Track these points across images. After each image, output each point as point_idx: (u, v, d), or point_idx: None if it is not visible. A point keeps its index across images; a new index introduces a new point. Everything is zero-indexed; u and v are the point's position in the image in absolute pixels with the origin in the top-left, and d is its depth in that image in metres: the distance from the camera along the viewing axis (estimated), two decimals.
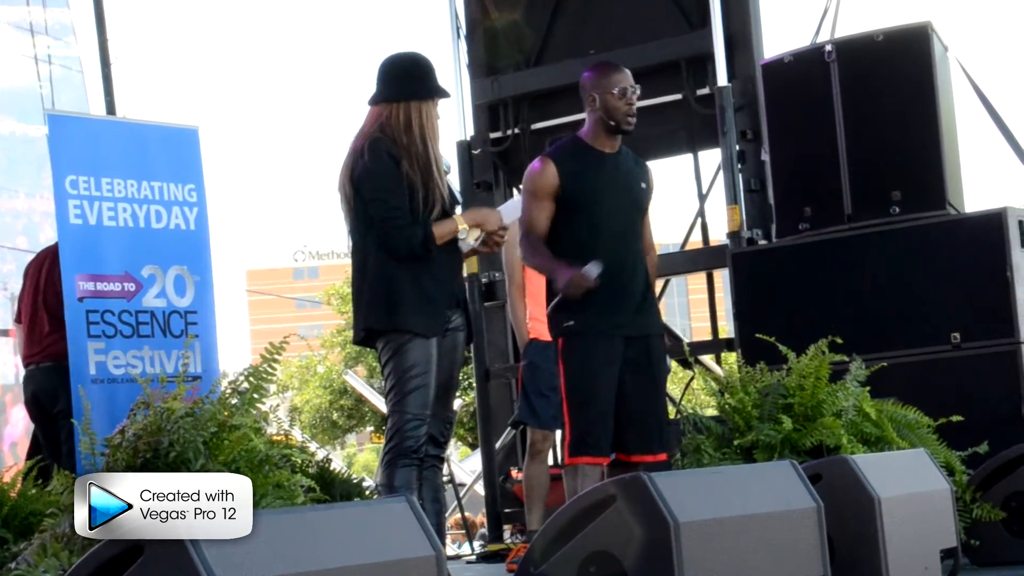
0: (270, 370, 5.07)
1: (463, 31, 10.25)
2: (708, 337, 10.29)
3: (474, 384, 10.12)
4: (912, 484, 5.46)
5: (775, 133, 8.36)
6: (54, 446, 7.31)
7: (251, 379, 5.01)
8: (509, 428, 9.77)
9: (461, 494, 12.12)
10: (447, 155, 7.30)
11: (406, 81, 5.80)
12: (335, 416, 34.64)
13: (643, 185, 6.07)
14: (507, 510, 9.76)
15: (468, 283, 8.77)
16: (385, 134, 5.70)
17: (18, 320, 7.87)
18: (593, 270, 5.69)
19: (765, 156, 8.66)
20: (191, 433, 4.64)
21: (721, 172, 9.10)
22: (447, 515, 7.62)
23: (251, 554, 3.28)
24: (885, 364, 6.38)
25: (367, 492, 6.07)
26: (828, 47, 8.11)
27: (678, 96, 9.50)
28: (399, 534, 3.74)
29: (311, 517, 3.63)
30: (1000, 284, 7.39)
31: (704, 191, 10.07)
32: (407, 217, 5.62)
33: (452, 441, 8.72)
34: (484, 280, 9.77)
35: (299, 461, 5.11)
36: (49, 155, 6.83)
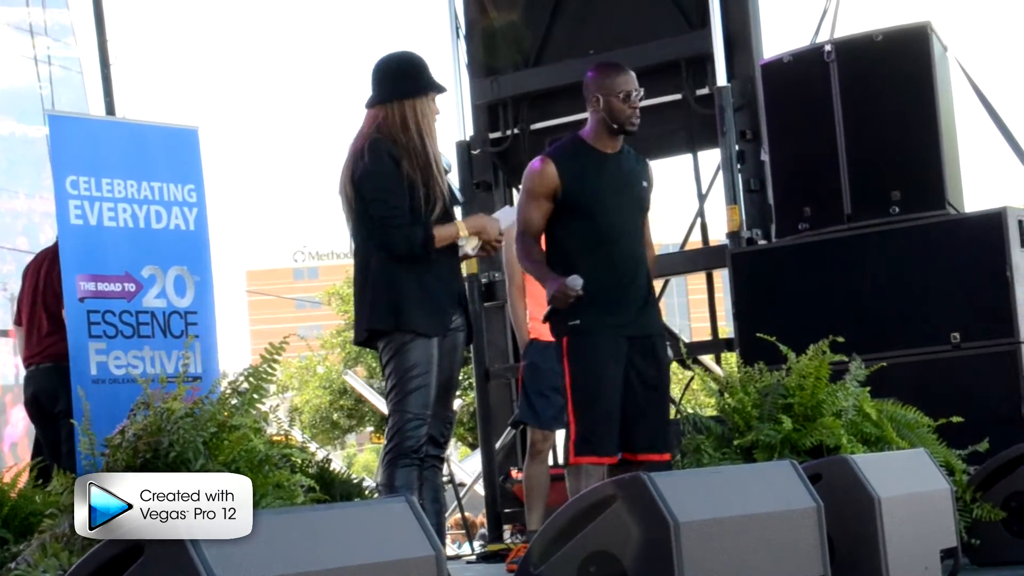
0: (270, 370, 5.07)
1: (462, 31, 10.25)
2: (708, 337, 10.30)
3: (474, 384, 10.11)
4: (912, 484, 5.46)
5: (775, 133, 8.36)
6: (54, 446, 7.32)
7: (251, 379, 5.01)
8: (509, 428, 9.77)
9: (461, 494, 12.12)
10: (447, 155, 7.30)
11: (399, 80, 5.81)
12: (335, 416, 34.66)
13: (644, 184, 6.07)
14: (507, 510, 9.76)
15: (468, 283, 8.77)
16: (384, 135, 5.71)
17: (18, 322, 7.89)
18: (576, 282, 5.69)
19: (765, 156, 8.66)
20: (191, 433, 4.64)
21: (721, 172, 9.10)
22: (447, 515, 7.62)
23: (251, 554, 3.28)
24: (885, 364, 6.38)
25: (367, 492, 6.08)
26: (827, 47, 8.11)
27: (678, 96, 9.50)
28: (399, 534, 3.74)
29: (311, 517, 3.63)
30: (1000, 284, 7.39)
31: (704, 191, 10.07)
32: (407, 217, 5.62)
33: (452, 441, 8.72)
34: (484, 280, 9.77)
35: (299, 461, 5.11)
36: (49, 155, 6.85)
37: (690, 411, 6.26)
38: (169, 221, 6.98)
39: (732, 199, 8.79)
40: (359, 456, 49.68)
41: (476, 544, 9.63)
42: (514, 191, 10.06)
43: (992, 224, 7.49)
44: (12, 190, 13.68)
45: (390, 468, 5.59)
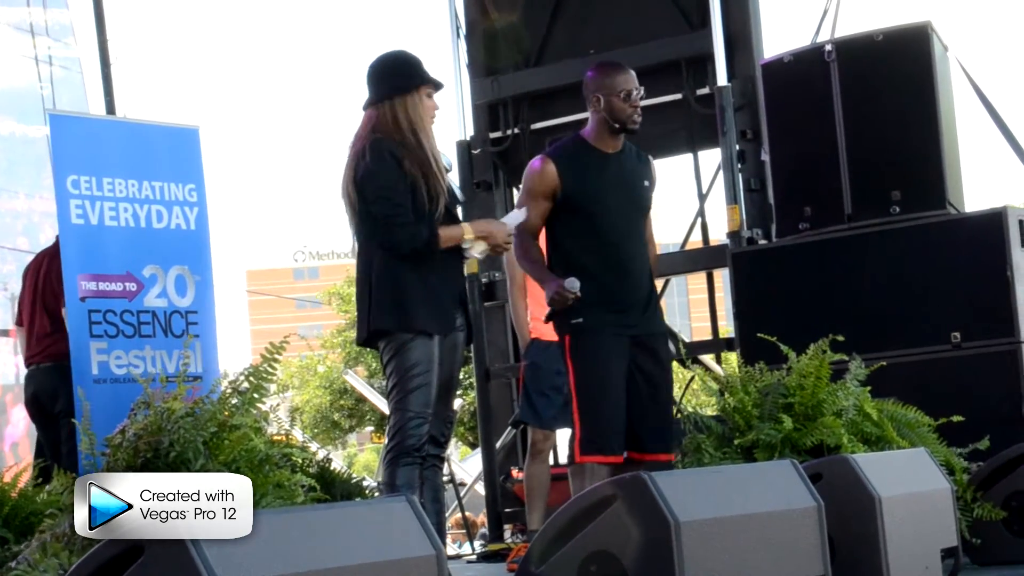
0: (270, 370, 5.08)
1: (463, 31, 10.25)
2: (708, 337, 10.29)
3: (474, 384, 10.11)
4: (913, 483, 5.46)
5: (775, 133, 8.36)
6: (54, 446, 7.33)
7: (251, 379, 5.02)
8: (509, 428, 9.77)
9: (462, 494, 12.12)
10: (448, 154, 7.30)
11: (388, 79, 5.81)
12: (335, 416, 34.66)
13: (646, 183, 6.06)
14: (507, 510, 9.76)
15: (468, 283, 8.77)
16: (382, 135, 5.71)
17: (19, 322, 7.92)
18: (573, 284, 5.69)
19: (765, 156, 8.66)
20: (191, 433, 4.65)
21: (721, 172, 9.10)
22: (448, 515, 7.62)
23: (252, 554, 3.28)
24: (885, 364, 6.38)
25: (367, 492, 6.08)
26: (828, 47, 8.10)
27: (678, 96, 9.50)
28: (400, 533, 3.74)
29: (312, 517, 3.63)
30: (1000, 283, 7.39)
31: (704, 191, 10.07)
32: (411, 215, 5.62)
33: (452, 441, 8.72)
34: (484, 280, 9.77)
35: (300, 461, 5.12)
36: (51, 155, 6.85)
37: (691, 411, 6.26)
38: (170, 221, 6.98)
39: (732, 199, 8.78)
40: (360, 456, 49.69)
41: (477, 544, 9.63)
42: (514, 191, 10.06)
43: (993, 224, 7.49)
44: (12, 190, 13.67)
45: (391, 467, 5.59)
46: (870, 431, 5.93)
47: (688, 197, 10.71)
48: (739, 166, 8.83)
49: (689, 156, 10.14)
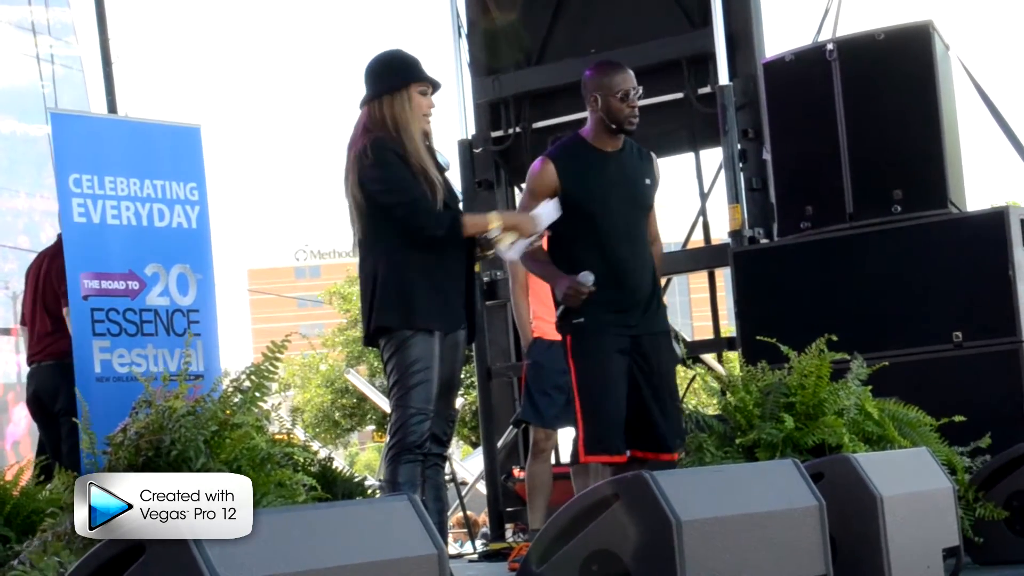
0: (272, 369, 5.07)
1: (464, 30, 10.25)
2: (710, 336, 10.29)
3: (476, 383, 10.11)
4: (914, 483, 5.46)
5: (776, 132, 8.35)
6: (55, 444, 7.34)
7: (253, 378, 5.01)
8: (511, 427, 9.77)
9: (463, 493, 12.12)
10: (449, 153, 7.30)
11: (378, 79, 5.85)
12: (337, 415, 34.65)
13: (647, 181, 6.05)
14: (509, 509, 9.76)
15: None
16: (376, 133, 5.73)
17: (23, 322, 7.96)
18: (587, 277, 5.69)
19: (766, 155, 8.65)
20: (192, 432, 4.64)
21: (723, 171, 9.10)
22: (449, 514, 7.62)
23: (254, 553, 3.28)
24: (887, 363, 6.37)
25: (369, 491, 6.08)
26: (829, 46, 8.10)
27: (679, 95, 9.49)
28: (401, 533, 3.74)
29: (313, 516, 3.63)
30: (1002, 283, 7.39)
31: (706, 190, 10.06)
32: (429, 201, 5.64)
33: (454, 440, 8.72)
34: (486, 279, 9.77)
35: (301, 460, 5.11)
36: (53, 153, 6.86)
37: (692, 410, 6.26)
38: (171, 219, 6.98)
39: (734, 198, 8.78)
40: (361, 455, 49.67)
41: (478, 543, 9.62)
42: (516, 190, 10.06)
43: (994, 223, 7.48)
44: (13, 189, 13.67)
45: (393, 464, 5.59)
46: (871, 430, 5.93)
47: (690, 196, 10.72)
48: (741, 165, 8.83)
49: (691, 155, 10.13)
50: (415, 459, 5.60)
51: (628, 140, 6.05)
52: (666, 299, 6.61)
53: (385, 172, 5.65)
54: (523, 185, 6.28)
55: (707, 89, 9.29)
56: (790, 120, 8.27)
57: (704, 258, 9.95)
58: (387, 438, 5.72)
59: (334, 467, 6.06)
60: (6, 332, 12.45)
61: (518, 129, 10.11)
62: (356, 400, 33.40)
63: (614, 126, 5.93)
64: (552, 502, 7.54)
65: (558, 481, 7.82)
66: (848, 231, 7.90)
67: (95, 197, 6.72)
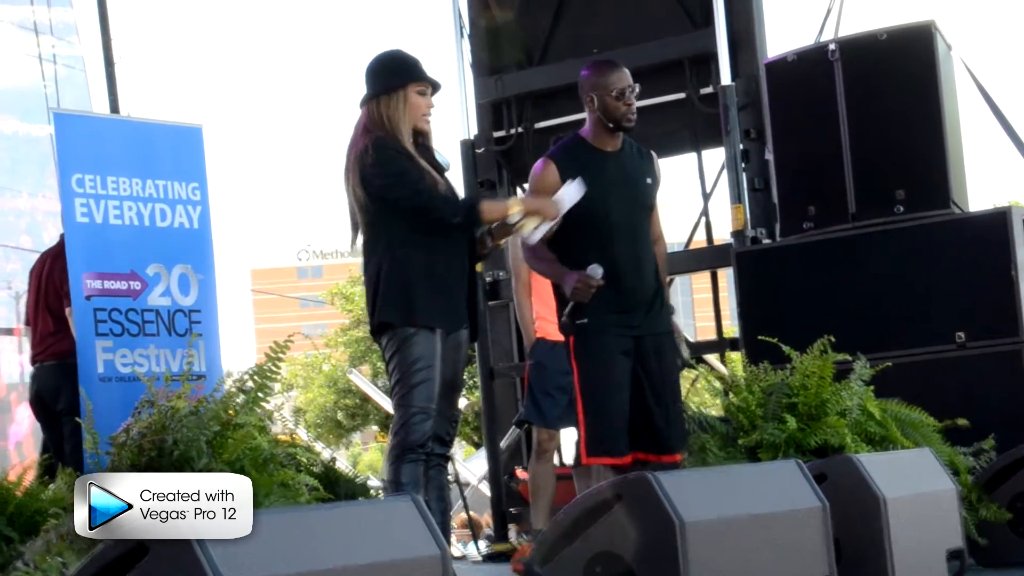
0: (275, 369, 5.07)
1: (466, 30, 10.25)
2: (712, 336, 10.28)
3: (479, 383, 10.11)
4: (918, 484, 5.45)
5: (779, 132, 8.35)
6: (58, 444, 7.35)
7: (255, 378, 5.01)
8: (514, 427, 9.76)
9: (466, 493, 12.11)
10: (452, 153, 7.30)
11: (375, 79, 5.87)
12: (340, 416, 34.67)
13: (648, 180, 6.04)
14: (512, 510, 9.75)
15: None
16: (376, 133, 5.74)
17: (26, 322, 7.98)
18: (596, 271, 5.68)
19: (769, 155, 8.65)
20: (194, 432, 4.64)
21: (725, 171, 9.09)
22: (452, 514, 7.63)
23: (257, 553, 3.28)
24: (889, 363, 6.37)
25: (372, 492, 6.07)
26: (832, 46, 8.09)
27: (682, 95, 9.49)
28: (405, 533, 3.74)
29: (316, 516, 3.63)
30: (1005, 283, 7.38)
31: (708, 190, 10.06)
32: (441, 191, 5.69)
33: (457, 440, 8.72)
34: (488, 279, 9.76)
35: (304, 460, 5.11)
36: (56, 153, 6.86)
37: (695, 410, 6.25)
38: (173, 219, 6.98)
39: (736, 198, 8.77)
40: (364, 455, 49.68)
41: (481, 544, 9.61)
42: (518, 190, 10.05)
43: (997, 223, 7.49)
44: (16, 189, 13.66)
45: (396, 463, 5.59)
46: (874, 431, 5.93)
47: (692, 196, 10.70)
48: (743, 165, 8.82)
49: (693, 155, 10.12)
50: (418, 458, 5.60)
51: (627, 139, 6.04)
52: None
53: (390, 168, 5.66)
54: (526, 186, 6.27)
55: (709, 89, 9.28)
56: (792, 120, 8.27)
57: (706, 258, 9.94)
58: (389, 438, 5.72)
59: (337, 468, 6.06)
60: (9, 332, 12.44)
61: (520, 129, 10.11)
62: (359, 400, 33.43)
63: (611, 125, 5.93)
64: (555, 503, 7.53)
65: (561, 482, 7.81)
66: (851, 231, 7.90)
67: (98, 197, 6.72)
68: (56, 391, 7.43)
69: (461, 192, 7.58)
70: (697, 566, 4.12)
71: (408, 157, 5.70)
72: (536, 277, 7.43)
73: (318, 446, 7.05)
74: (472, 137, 10.02)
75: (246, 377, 5.00)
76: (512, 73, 10.15)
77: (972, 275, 7.53)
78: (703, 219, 10.25)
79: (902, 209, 7.78)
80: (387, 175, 5.66)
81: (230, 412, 4.84)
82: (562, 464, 9.08)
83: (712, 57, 9.07)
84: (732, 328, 10.71)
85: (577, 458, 5.82)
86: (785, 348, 6.07)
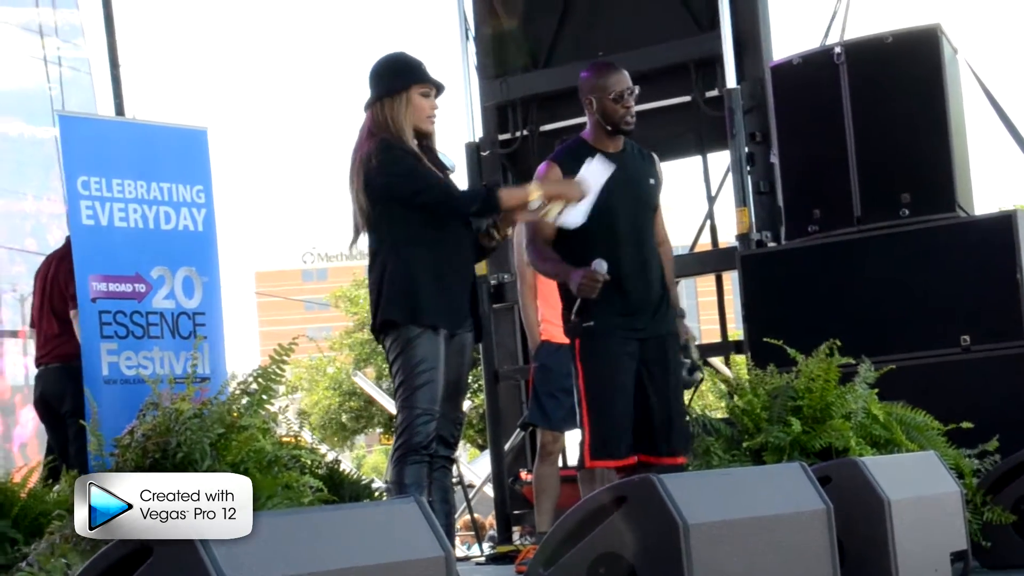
0: (279, 371, 5.08)
1: (471, 33, 10.26)
2: (717, 339, 10.28)
3: (483, 386, 10.11)
4: (922, 487, 5.45)
5: (784, 135, 8.35)
6: (63, 446, 7.36)
7: (260, 380, 5.02)
8: (518, 430, 9.77)
9: (470, 495, 12.11)
10: (457, 156, 7.30)
11: (378, 82, 5.88)
12: (344, 418, 34.69)
13: (651, 181, 6.04)
14: (516, 511, 9.75)
15: (478, 285, 8.75)
16: (381, 135, 5.75)
17: (32, 325, 8.00)
18: (601, 265, 5.65)
19: (774, 158, 8.65)
20: (197, 434, 4.65)
21: (730, 174, 9.09)
22: (456, 516, 7.63)
23: (261, 555, 3.28)
24: (894, 367, 6.37)
25: (376, 494, 6.08)
26: (837, 49, 8.10)
27: (687, 98, 9.49)
28: (409, 535, 3.73)
29: (320, 518, 3.63)
30: (1010, 286, 7.38)
31: (713, 193, 10.06)
32: (451, 184, 5.73)
33: (461, 443, 8.73)
34: (493, 282, 9.77)
35: (308, 462, 5.12)
36: (61, 156, 6.85)
37: (699, 413, 6.25)
38: (178, 222, 6.98)
39: (742, 201, 8.77)
40: (368, 457, 49.71)
41: (485, 546, 9.61)
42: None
43: (1002, 226, 7.48)
44: (20, 191, 13.65)
45: (399, 465, 5.58)
46: (879, 434, 5.93)
47: (697, 199, 10.71)
48: (748, 168, 8.82)
49: (698, 158, 10.12)
50: (421, 460, 5.59)
51: (628, 141, 6.03)
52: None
53: (398, 167, 5.67)
54: None
55: (714, 92, 9.29)
56: (798, 123, 8.27)
57: (711, 261, 9.94)
58: (393, 440, 5.72)
59: (341, 470, 6.07)
60: (14, 334, 12.44)
61: (525, 132, 10.12)
62: (363, 403, 33.43)
63: (610, 127, 5.93)
64: (559, 505, 7.53)
65: (565, 484, 7.81)
66: (856, 235, 7.90)
67: (103, 199, 6.72)
68: (61, 393, 7.44)
69: None
70: (701, 568, 4.12)
71: (415, 157, 5.72)
72: (541, 280, 7.43)
73: (322, 448, 7.04)
74: (477, 140, 10.03)
75: (250, 379, 5.01)
76: (517, 76, 10.17)
77: (977, 278, 7.52)
78: (708, 222, 10.25)
79: (907, 212, 7.78)
80: (396, 174, 5.66)
81: (234, 415, 4.85)
82: (566, 466, 9.08)
83: (717, 60, 9.07)
84: (737, 331, 10.72)
85: (581, 461, 5.80)
86: (790, 351, 6.07)
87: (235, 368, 6.73)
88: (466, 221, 5.81)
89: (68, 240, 7.05)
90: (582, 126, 6.11)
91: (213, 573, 3.16)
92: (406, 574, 3.64)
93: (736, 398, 5.98)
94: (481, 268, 9.28)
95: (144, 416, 4.87)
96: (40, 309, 7.74)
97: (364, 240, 5.90)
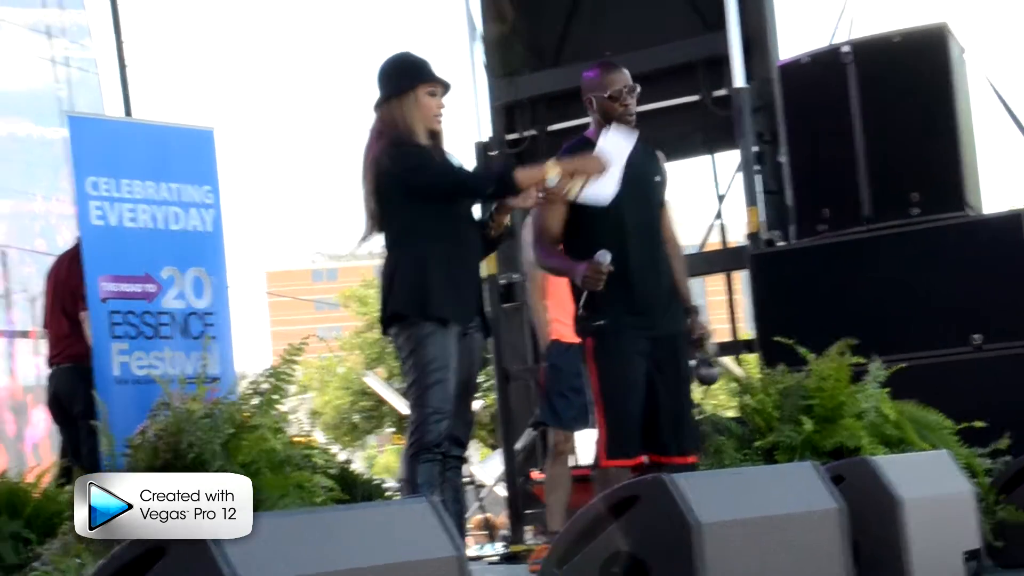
0: (290, 371, 5.08)
1: (479, 33, 10.26)
2: (727, 339, 10.29)
3: (494, 386, 10.13)
4: (935, 486, 5.44)
5: (793, 134, 8.35)
6: (75, 446, 7.37)
7: (271, 380, 5.02)
8: (529, 429, 9.77)
9: (482, 495, 12.12)
10: (466, 156, 7.31)
11: (386, 82, 5.91)
12: (355, 418, 34.73)
13: (657, 179, 6.03)
14: (528, 511, 9.76)
15: (486, 285, 8.76)
16: (391, 134, 5.78)
17: (44, 325, 8.02)
18: (604, 256, 5.62)
19: (783, 157, 8.64)
20: (208, 435, 4.65)
21: (739, 174, 9.10)
22: (468, 515, 7.64)
23: (274, 555, 3.28)
24: (905, 365, 6.36)
25: (388, 493, 6.08)
26: (845, 48, 8.09)
27: (695, 98, 9.50)
28: (421, 534, 3.73)
29: (333, 518, 3.63)
30: (1020, 285, 7.38)
31: (722, 193, 10.07)
32: (465, 170, 5.79)
33: (472, 442, 8.73)
34: (503, 282, 9.77)
35: (320, 462, 5.12)
36: (71, 156, 6.85)
37: (711, 412, 6.24)
38: (187, 222, 6.98)
39: (751, 201, 8.78)
40: (380, 457, 49.72)
41: (498, 545, 9.61)
42: (612, 127, 10.04)
43: (1012, 225, 7.49)
44: (30, 192, 13.66)
45: (412, 463, 5.59)
46: (890, 433, 5.92)
47: (706, 199, 10.72)
48: (757, 168, 8.82)
49: (707, 158, 10.14)
50: (434, 458, 5.60)
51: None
52: None
53: (411, 160, 5.70)
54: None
55: (723, 92, 9.29)
56: (806, 122, 8.27)
57: (721, 261, 9.95)
58: (405, 438, 5.73)
59: (353, 470, 6.06)
60: (25, 335, 12.46)
61: (533, 131, 10.14)
62: (374, 402, 33.46)
63: (610, 127, 5.93)
64: (571, 504, 7.53)
65: (577, 483, 7.81)
66: (865, 234, 7.89)
67: (112, 200, 6.72)
68: (72, 393, 7.45)
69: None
70: (713, 567, 4.11)
71: (426, 150, 5.74)
72: (551, 279, 7.42)
73: (334, 448, 7.05)
74: (486, 139, 10.03)
75: (261, 379, 5.01)
76: (525, 76, 10.18)
77: (988, 277, 7.52)
78: (717, 221, 10.26)
79: (917, 211, 7.78)
80: (409, 167, 5.69)
81: (245, 415, 4.85)
82: (577, 465, 9.08)
83: (725, 60, 9.07)
84: (747, 330, 10.71)
85: (596, 460, 5.79)
86: (801, 350, 6.06)
87: (247, 368, 6.74)
88: (474, 220, 5.83)
89: (78, 241, 7.05)
90: (589, 126, 6.11)
91: (226, 573, 3.16)
92: (419, 573, 3.64)
93: (747, 397, 5.97)
94: (491, 268, 9.29)
95: (155, 416, 4.87)
96: (51, 309, 7.76)
97: (372, 239, 5.92)
